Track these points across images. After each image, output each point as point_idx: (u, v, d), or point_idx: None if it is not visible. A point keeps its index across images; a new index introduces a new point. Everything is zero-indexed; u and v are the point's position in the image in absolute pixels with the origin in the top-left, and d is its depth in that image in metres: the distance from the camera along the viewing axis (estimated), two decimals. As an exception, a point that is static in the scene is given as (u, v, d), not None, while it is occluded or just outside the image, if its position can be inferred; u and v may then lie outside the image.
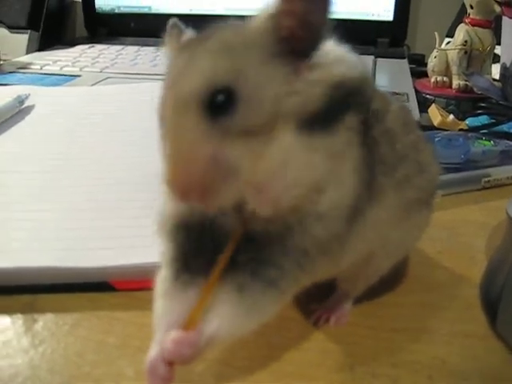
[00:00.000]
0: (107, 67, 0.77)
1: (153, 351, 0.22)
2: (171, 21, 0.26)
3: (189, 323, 0.23)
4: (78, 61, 0.81)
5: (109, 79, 0.72)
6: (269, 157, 0.21)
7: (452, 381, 0.26)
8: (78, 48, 0.90)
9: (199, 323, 0.22)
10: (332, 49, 0.24)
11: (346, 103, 0.23)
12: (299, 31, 0.21)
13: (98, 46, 0.90)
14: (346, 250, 0.25)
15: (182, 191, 0.21)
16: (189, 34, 0.25)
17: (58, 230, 0.35)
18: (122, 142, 0.49)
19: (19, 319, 0.30)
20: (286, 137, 0.21)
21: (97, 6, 0.96)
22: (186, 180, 0.20)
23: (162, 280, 0.24)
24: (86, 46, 0.90)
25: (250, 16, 0.23)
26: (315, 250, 0.23)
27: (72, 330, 0.29)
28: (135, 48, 0.89)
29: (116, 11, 0.96)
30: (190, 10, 0.93)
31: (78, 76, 0.74)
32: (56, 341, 0.28)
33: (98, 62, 0.80)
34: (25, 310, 0.30)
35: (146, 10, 0.95)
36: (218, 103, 0.20)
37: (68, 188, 0.41)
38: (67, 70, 0.76)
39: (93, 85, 0.69)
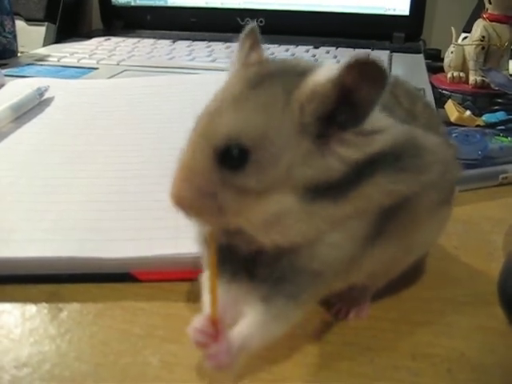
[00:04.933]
0: (124, 60, 0.78)
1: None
2: (250, 25, 0.26)
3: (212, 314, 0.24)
4: (95, 53, 0.81)
5: (126, 72, 0.72)
6: (262, 213, 0.22)
7: (471, 374, 0.26)
8: (95, 40, 0.90)
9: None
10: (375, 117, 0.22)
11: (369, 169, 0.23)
12: (344, 104, 0.21)
13: (114, 39, 0.91)
14: (365, 263, 0.25)
15: (177, 204, 0.23)
16: (261, 48, 0.26)
17: (79, 220, 0.36)
18: (139, 134, 0.49)
19: (44, 308, 0.30)
20: (285, 199, 0.22)
21: (113, -1, 0.97)
22: (181, 198, 0.23)
23: (206, 278, 0.25)
24: (102, 39, 0.91)
25: (314, 66, 0.23)
26: (328, 271, 0.24)
27: (96, 319, 0.29)
28: (151, 41, 0.89)
29: (132, 4, 0.96)
30: (206, 3, 0.93)
31: (96, 68, 0.74)
32: (81, 330, 0.29)
33: (114, 54, 0.81)
34: (50, 299, 0.31)
35: (161, 3, 0.95)
36: (231, 158, 0.22)
37: (88, 179, 0.41)
38: (84, 63, 0.77)
39: (110, 77, 0.70)
